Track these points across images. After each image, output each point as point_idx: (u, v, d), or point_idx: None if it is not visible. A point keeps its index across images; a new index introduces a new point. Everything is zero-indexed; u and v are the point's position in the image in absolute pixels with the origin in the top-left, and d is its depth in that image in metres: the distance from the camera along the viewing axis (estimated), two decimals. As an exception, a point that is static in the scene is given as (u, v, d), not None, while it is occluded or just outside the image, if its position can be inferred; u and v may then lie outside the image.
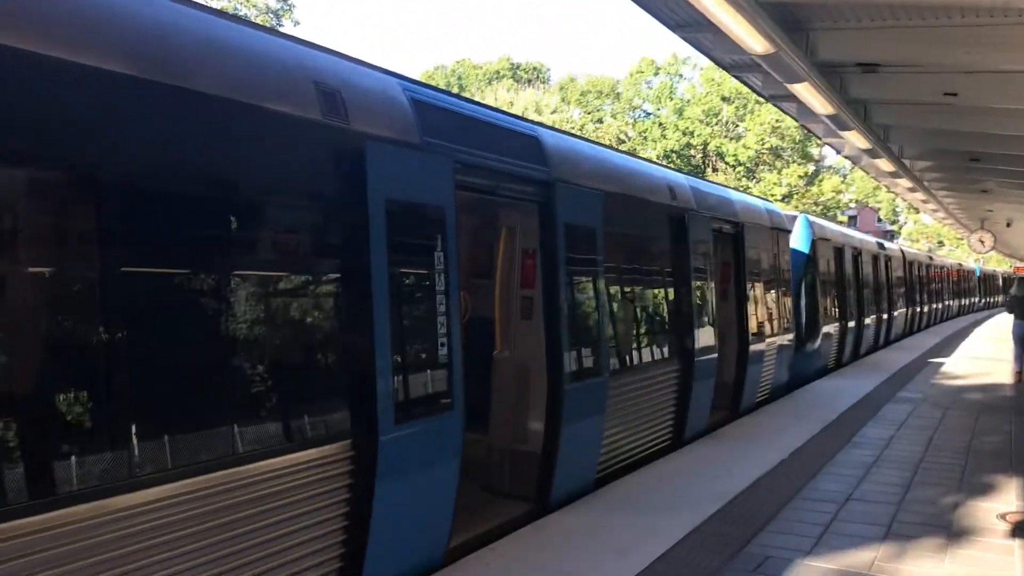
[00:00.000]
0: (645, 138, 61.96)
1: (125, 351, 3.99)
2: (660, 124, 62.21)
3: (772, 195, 54.62)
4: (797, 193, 57.58)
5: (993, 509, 7.54)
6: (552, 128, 8.77)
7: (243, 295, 4.76)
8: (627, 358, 9.13)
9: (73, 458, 3.73)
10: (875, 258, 24.64)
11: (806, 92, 9.28)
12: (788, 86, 9.02)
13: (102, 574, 3.74)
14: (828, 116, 10.68)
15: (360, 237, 5.33)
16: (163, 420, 4.16)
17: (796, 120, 13.39)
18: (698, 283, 10.79)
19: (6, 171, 3.60)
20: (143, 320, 4.12)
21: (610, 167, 9.31)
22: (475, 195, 6.81)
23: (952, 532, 6.88)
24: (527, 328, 7.43)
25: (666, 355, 9.92)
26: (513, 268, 7.60)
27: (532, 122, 8.27)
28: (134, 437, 3.96)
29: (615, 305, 9.09)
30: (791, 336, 15.17)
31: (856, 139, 12.42)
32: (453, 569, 5.90)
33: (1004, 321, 38.49)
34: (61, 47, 3.76)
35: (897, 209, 76.19)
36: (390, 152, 5.60)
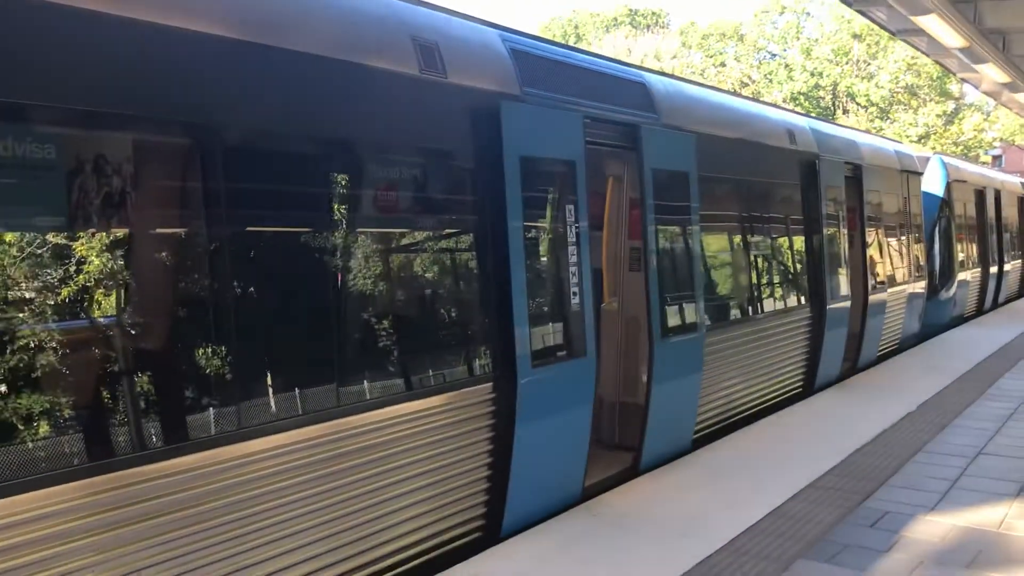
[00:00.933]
0: (770, 80, 59.71)
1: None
2: (786, 65, 59.76)
3: (907, 136, 51.92)
4: (935, 133, 54.46)
5: None
6: (661, 73, 8.55)
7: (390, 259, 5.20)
8: (736, 310, 8.92)
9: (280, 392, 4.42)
10: (1020, 199, 23.14)
11: (935, 24, 8.69)
12: (913, 19, 8.47)
13: (310, 489, 4.44)
14: (960, 49, 10.00)
15: (487, 191, 5.61)
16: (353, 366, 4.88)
17: (927, 55, 12.61)
18: (816, 230, 10.41)
19: (129, 132, 3.82)
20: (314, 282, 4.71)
21: (724, 111, 9.04)
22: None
23: (1093, 489, 6.47)
24: (634, 279, 7.33)
25: (777, 307, 9.64)
26: (620, 218, 7.49)
27: (638, 67, 8.07)
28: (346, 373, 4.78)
29: (727, 255, 8.89)
30: (923, 284, 14.47)
31: (994, 72, 11.61)
32: (620, 490, 6.48)
33: None
34: (179, 16, 4.01)
35: (1048, 147, 71.15)
36: (511, 107, 5.76)
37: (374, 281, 5.08)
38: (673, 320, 7.40)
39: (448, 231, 5.73)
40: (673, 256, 7.61)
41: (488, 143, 5.64)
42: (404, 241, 5.43)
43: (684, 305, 7.61)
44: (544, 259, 6.18)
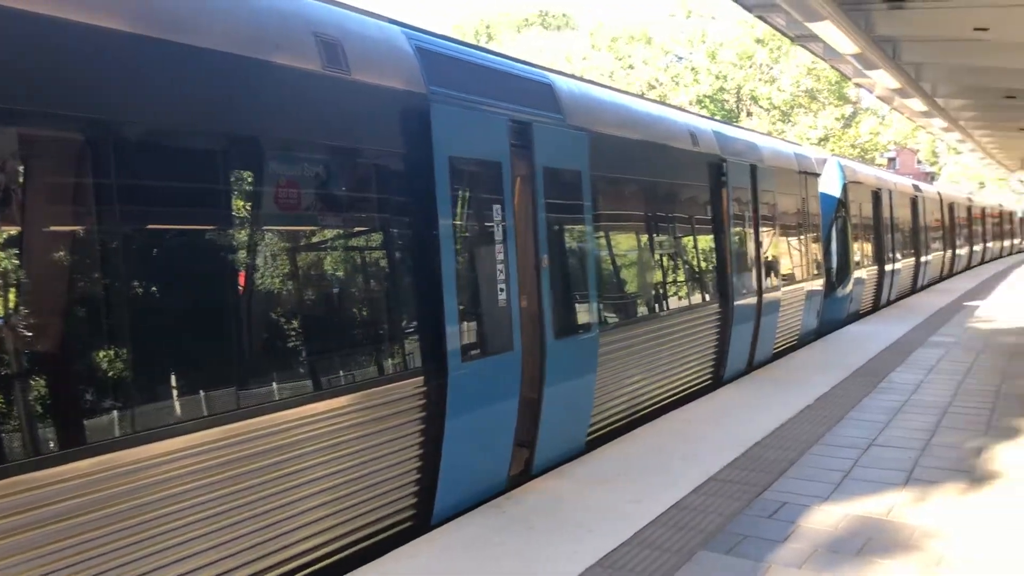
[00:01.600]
0: (677, 83, 60.90)
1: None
2: (693, 69, 61.02)
3: (808, 138, 53.59)
4: (833, 136, 56.38)
5: (1018, 453, 7.43)
6: (568, 75, 8.65)
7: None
8: (636, 309, 9.00)
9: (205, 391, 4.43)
10: (911, 200, 24.17)
11: (829, 30, 9.02)
12: (809, 25, 8.78)
13: (248, 482, 4.55)
14: (854, 55, 10.41)
15: (401, 188, 5.75)
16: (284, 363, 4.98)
17: (824, 60, 13.06)
18: (718, 230, 10.72)
19: (13, 127, 3.70)
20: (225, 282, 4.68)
21: (629, 113, 9.20)
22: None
23: (975, 477, 6.80)
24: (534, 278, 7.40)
25: (679, 305, 9.84)
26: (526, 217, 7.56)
27: (544, 68, 8.15)
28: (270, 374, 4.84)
29: (628, 255, 9.04)
30: (821, 282, 15.00)
31: (885, 78, 12.10)
32: (529, 486, 6.59)
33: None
34: (79, 11, 3.93)
35: (937, 150, 74.51)
36: (433, 107, 5.90)
37: (285, 280, 5.04)
38: (566, 320, 7.38)
39: (362, 228, 5.72)
40: (567, 256, 7.61)
41: (402, 141, 5.68)
42: (315, 239, 5.39)
43: (578, 305, 7.63)
44: (470, 256, 6.29)
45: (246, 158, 4.87)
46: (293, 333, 5.09)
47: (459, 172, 6.15)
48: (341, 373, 5.30)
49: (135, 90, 4.16)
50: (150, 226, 4.32)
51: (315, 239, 5.38)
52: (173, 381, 4.35)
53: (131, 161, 4.15)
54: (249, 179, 4.94)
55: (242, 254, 4.74)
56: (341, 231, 5.52)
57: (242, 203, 4.86)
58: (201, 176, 4.58)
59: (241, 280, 4.75)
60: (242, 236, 4.76)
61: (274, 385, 4.80)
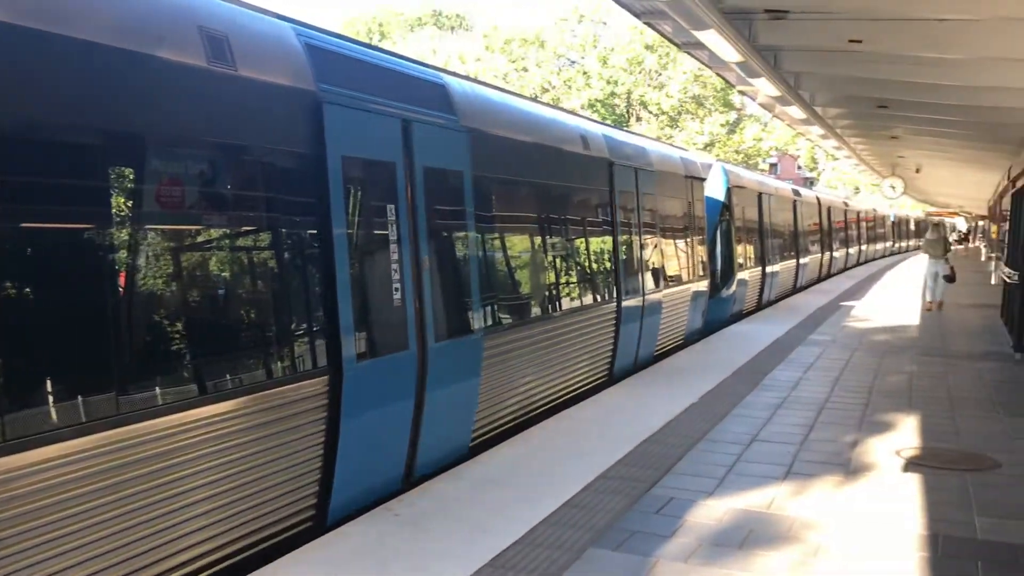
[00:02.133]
0: (570, 87, 61.68)
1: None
2: (584, 73, 61.93)
3: (695, 144, 55.07)
4: (719, 142, 58.14)
5: (890, 446, 7.82)
6: (463, 76, 8.65)
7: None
8: (524, 311, 8.99)
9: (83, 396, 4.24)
10: (792, 204, 25.13)
11: (714, 38, 9.28)
12: (695, 33, 9.02)
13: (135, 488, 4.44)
14: (738, 63, 10.73)
15: (293, 187, 5.70)
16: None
17: (709, 68, 13.43)
18: (608, 233, 10.92)
19: None
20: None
21: (521, 115, 9.26)
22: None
23: (850, 469, 7.12)
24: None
25: (568, 307, 9.95)
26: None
27: (438, 68, 8.14)
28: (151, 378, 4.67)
29: (518, 257, 9.10)
30: (706, 283, 15.44)
31: (767, 86, 12.53)
32: (421, 489, 6.59)
33: (915, 264, 39.74)
34: None
35: (816, 156, 77.70)
36: (325, 107, 5.85)
37: (169, 282, 4.87)
38: (447, 322, 7.24)
39: (251, 228, 5.56)
40: (449, 258, 7.54)
41: (292, 139, 5.60)
42: (201, 239, 5.20)
43: (460, 307, 7.55)
44: (363, 257, 6.25)
45: (125, 155, 4.67)
46: (177, 337, 4.92)
47: (352, 172, 6.08)
48: (230, 376, 5.15)
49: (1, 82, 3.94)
50: (21, 224, 4.09)
51: (201, 239, 5.22)
52: (47, 387, 4.14)
53: None
54: (129, 176, 4.74)
55: (121, 254, 4.55)
56: (229, 231, 5.37)
57: (121, 201, 4.66)
58: (75, 173, 4.37)
59: (121, 281, 4.56)
60: (121, 235, 4.57)
61: (157, 390, 4.63)
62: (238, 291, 5.50)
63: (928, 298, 19.99)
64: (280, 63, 5.68)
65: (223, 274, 5.34)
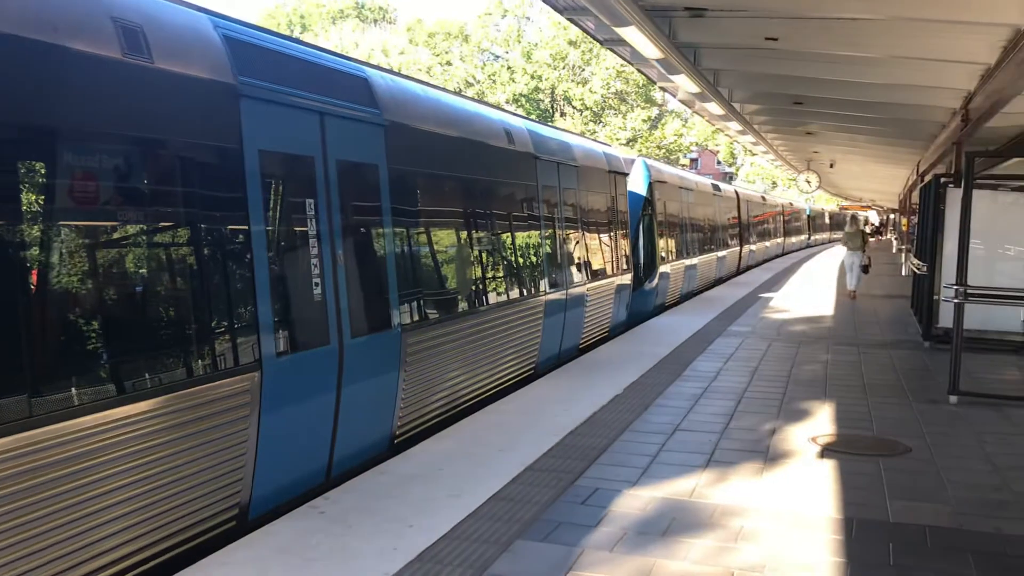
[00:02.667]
0: (494, 81, 61.75)
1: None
2: (509, 67, 62.07)
3: (617, 139, 55.72)
4: (641, 137, 58.94)
5: (806, 433, 8.05)
6: (387, 70, 8.60)
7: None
8: (448, 306, 8.95)
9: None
10: (712, 199, 25.64)
11: (635, 35, 9.42)
12: (616, 29, 9.13)
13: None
14: (658, 60, 10.91)
15: (211, 182, 5.60)
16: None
17: (631, 64, 13.63)
18: (532, 227, 11.00)
19: None
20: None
21: (445, 109, 9.25)
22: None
23: (769, 456, 7.31)
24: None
25: (494, 300, 9.99)
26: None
27: (359, 61, 8.07)
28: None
29: (440, 251, 9.08)
30: (629, 276, 15.65)
31: (687, 83, 12.77)
32: (347, 485, 6.49)
33: (832, 256, 41.00)
34: None
35: (735, 152, 79.37)
36: (241, 100, 5.78)
37: (82, 279, 4.74)
38: (364, 318, 7.16)
39: (168, 223, 5.43)
40: (366, 253, 7.44)
41: (210, 133, 5.51)
42: (116, 235, 5.03)
43: (378, 302, 7.47)
44: (282, 251, 6.19)
45: (37, 149, 4.51)
46: (91, 336, 4.79)
47: (270, 166, 6.00)
48: (148, 376, 5.03)
49: None
50: None
51: (118, 235, 5.08)
52: None
53: None
54: (41, 172, 4.58)
55: (33, 251, 4.40)
56: (146, 226, 5.23)
57: (32, 198, 4.51)
58: None
59: (32, 280, 4.41)
60: (33, 232, 4.43)
61: (72, 390, 4.51)
62: (155, 289, 5.36)
63: (850, 286, 21.23)
64: (198, 55, 5.56)
65: (139, 271, 5.21)
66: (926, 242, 14.40)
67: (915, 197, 22.54)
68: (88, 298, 4.80)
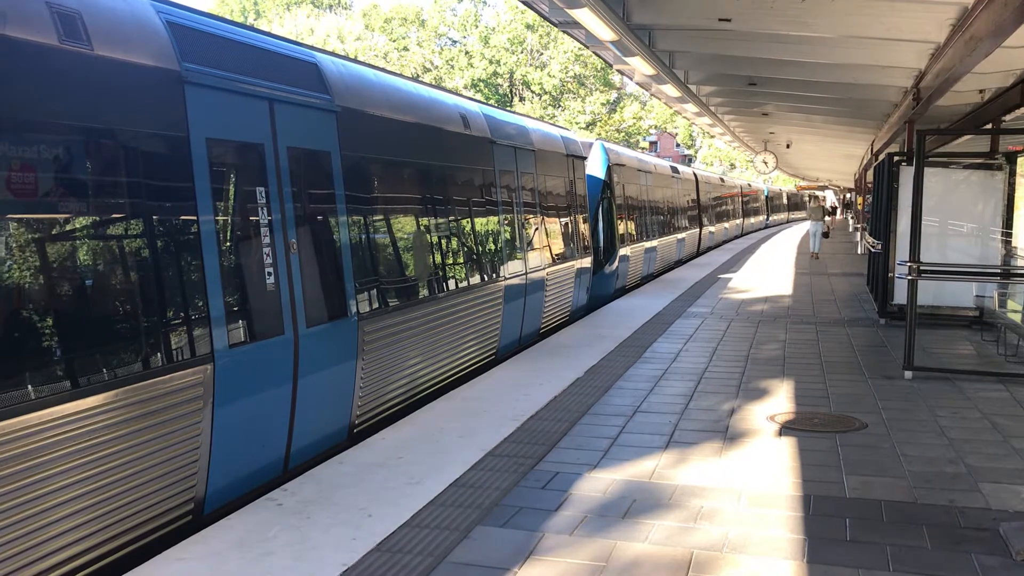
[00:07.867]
0: (452, 66, 61.43)
1: None
2: (467, 52, 61.76)
3: (576, 123, 55.73)
4: (600, 121, 59.03)
5: (765, 412, 8.12)
6: (339, 56, 8.47)
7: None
8: (406, 293, 8.87)
9: None
10: (671, 181, 25.73)
11: (588, 17, 9.36)
12: (569, 11, 9.07)
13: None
14: (612, 42, 10.86)
15: (158, 172, 5.48)
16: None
17: (587, 47, 13.56)
18: (490, 212, 10.95)
19: None
20: None
21: (400, 94, 9.14)
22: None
23: (728, 436, 7.35)
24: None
25: (452, 287, 9.94)
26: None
27: (311, 47, 7.94)
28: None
29: (396, 238, 8.99)
30: (589, 260, 15.66)
31: (642, 65, 12.74)
32: (304, 476, 6.45)
33: (789, 238, 41.44)
34: None
35: (694, 134, 79.80)
36: (188, 87, 5.67)
37: (22, 273, 4.60)
38: (319, 307, 7.07)
39: (112, 215, 5.28)
40: (321, 240, 7.32)
41: (154, 121, 5.40)
42: (57, 229, 4.90)
43: (333, 291, 7.36)
44: (232, 241, 6.10)
45: None
46: (34, 331, 4.66)
47: (218, 154, 5.89)
48: (99, 370, 4.92)
49: None
50: None
51: (61, 228, 4.94)
52: None
53: None
54: None
55: None
56: (89, 218, 5.09)
57: None
58: None
59: None
60: None
61: (29, 388, 4.42)
62: (101, 282, 5.22)
63: (813, 249, 28.46)
64: (140, 42, 5.42)
65: (84, 265, 5.08)
66: (880, 220, 14.57)
67: (870, 176, 22.78)
68: (29, 293, 4.67)
